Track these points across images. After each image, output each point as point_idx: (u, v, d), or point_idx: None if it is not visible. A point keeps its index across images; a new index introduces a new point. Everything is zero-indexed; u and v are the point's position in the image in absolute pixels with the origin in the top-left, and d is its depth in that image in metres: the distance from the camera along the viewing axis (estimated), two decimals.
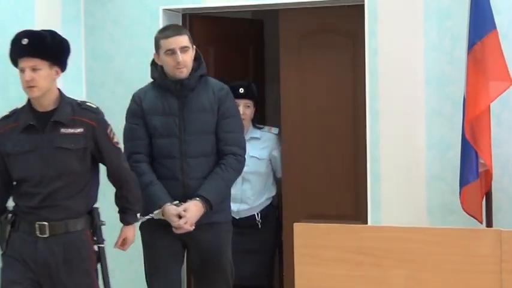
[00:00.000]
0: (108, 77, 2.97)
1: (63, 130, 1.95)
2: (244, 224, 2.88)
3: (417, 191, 2.67)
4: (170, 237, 2.28)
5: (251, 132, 2.95)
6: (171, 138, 2.32)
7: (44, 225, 1.91)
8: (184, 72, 2.30)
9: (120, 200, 2.13)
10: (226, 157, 2.31)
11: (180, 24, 3.00)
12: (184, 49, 2.29)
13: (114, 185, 2.12)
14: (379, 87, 2.68)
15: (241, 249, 2.73)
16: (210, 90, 2.39)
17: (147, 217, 2.23)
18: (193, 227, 2.25)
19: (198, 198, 2.23)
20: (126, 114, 2.37)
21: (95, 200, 2.07)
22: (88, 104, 2.10)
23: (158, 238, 2.32)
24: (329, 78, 3.05)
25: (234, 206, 2.72)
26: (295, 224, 2.41)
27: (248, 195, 2.91)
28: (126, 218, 2.17)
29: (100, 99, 2.70)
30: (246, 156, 2.52)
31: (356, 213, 2.88)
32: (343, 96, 2.93)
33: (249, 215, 2.92)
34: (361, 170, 2.85)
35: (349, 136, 2.95)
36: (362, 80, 2.76)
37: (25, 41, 1.86)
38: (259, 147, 2.97)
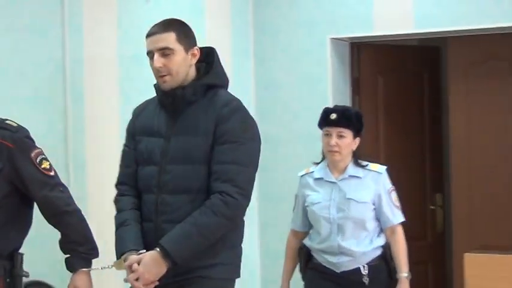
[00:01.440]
0: (276, 106, 3.19)
1: None
2: (347, 279, 2.56)
3: None
4: None
5: (350, 170, 2.62)
6: (151, 167, 1.90)
7: None
8: (167, 82, 1.85)
9: (61, 240, 1.83)
10: (212, 197, 1.80)
11: (347, 54, 3.18)
12: (164, 51, 1.84)
13: (49, 222, 1.84)
14: None
15: None
16: (213, 106, 1.89)
17: (99, 267, 1.88)
18: (151, 286, 1.82)
19: (157, 249, 1.77)
20: None
21: (18, 242, 1.78)
22: (7, 121, 1.82)
23: None
24: (498, 107, 3.18)
25: (332, 258, 2.52)
26: (466, 254, 2.49)
27: (344, 245, 2.55)
28: (70, 262, 1.84)
29: (268, 129, 2.91)
30: (335, 199, 2.38)
31: None
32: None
33: (353, 267, 2.57)
34: None
35: None
36: None
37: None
38: (360, 189, 2.62)
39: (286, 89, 3.21)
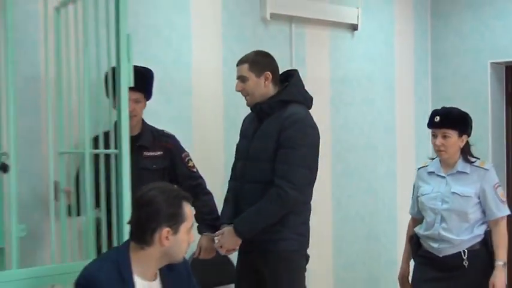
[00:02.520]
0: None
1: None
2: (449, 263, 2.53)
3: None
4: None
5: (459, 166, 2.57)
6: (240, 161, 2.30)
7: None
8: (248, 100, 2.25)
9: (196, 212, 2.15)
10: (272, 189, 2.11)
11: (503, 74, 3.77)
12: (241, 78, 2.22)
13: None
14: None
15: None
16: (281, 117, 2.17)
17: (215, 234, 2.28)
18: (230, 253, 2.25)
19: (232, 225, 2.18)
20: None
21: None
22: (165, 131, 2.38)
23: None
24: None
25: (434, 244, 2.53)
26: None
27: (444, 234, 2.52)
28: (199, 228, 2.33)
29: None
30: (442, 191, 2.48)
31: None
32: None
33: (453, 252, 2.53)
34: None
35: None
36: None
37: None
38: (465, 184, 2.56)
39: (455, 103, 3.65)
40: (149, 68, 2.32)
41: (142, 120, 2.32)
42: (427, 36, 4.11)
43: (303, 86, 2.31)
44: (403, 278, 2.72)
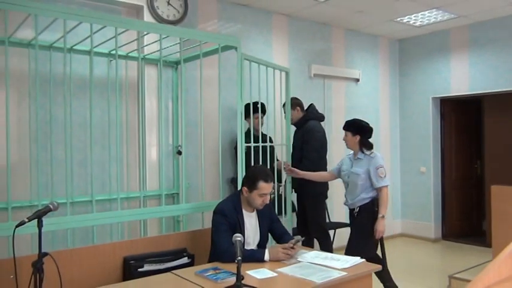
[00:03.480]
0: None
1: None
2: (350, 213, 3.57)
3: None
4: None
5: (358, 155, 3.59)
6: (294, 150, 4.04)
7: None
8: (291, 121, 4.04)
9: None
10: (302, 161, 3.99)
11: (439, 104, 6.27)
12: (292, 112, 4.06)
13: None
14: None
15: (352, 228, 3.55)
16: (303, 129, 3.99)
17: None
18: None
19: None
20: None
21: None
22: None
23: None
24: None
25: (347, 202, 3.58)
26: (492, 186, 3.48)
27: (347, 196, 3.59)
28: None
29: None
30: (348, 170, 3.53)
31: None
32: None
33: (352, 207, 3.57)
34: None
35: None
36: None
37: None
38: (359, 165, 3.54)
39: (412, 119, 6.41)
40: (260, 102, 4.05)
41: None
42: (396, 85, 6.80)
43: (317, 110, 4.22)
44: None
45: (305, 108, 4.28)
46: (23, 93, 3.59)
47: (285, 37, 5.51)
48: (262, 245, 2.80)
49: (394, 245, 6.21)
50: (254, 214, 2.77)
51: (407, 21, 5.87)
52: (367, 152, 3.51)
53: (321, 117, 4.18)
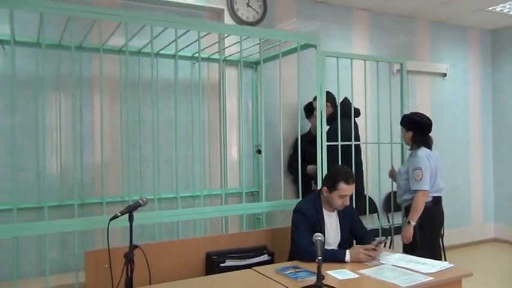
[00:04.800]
0: None
1: None
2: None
3: None
4: None
5: (413, 152, 3.46)
6: None
7: None
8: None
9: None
10: None
11: None
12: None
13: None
14: None
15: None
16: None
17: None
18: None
19: None
20: None
21: None
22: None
23: None
24: None
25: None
26: None
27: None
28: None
29: None
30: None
31: None
32: None
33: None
34: None
35: None
36: None
37: None
38: (405, 164, 3.53)
39: (508, 114, 6.18)
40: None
41: None
42: (488, 79, 6.44)
43: (350, 105, 3.88)
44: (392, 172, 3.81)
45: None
46: (115, 97, 3.86)
47: (366, 33, 5.48)
48: (343, 245, 2.78)
49: (485, 251, 5.93)
50: (335, 214, 2.77)
51: (501, 10, 5.55)
52: (414, 150, 3.34)
53: (356, 113, 3.99)
